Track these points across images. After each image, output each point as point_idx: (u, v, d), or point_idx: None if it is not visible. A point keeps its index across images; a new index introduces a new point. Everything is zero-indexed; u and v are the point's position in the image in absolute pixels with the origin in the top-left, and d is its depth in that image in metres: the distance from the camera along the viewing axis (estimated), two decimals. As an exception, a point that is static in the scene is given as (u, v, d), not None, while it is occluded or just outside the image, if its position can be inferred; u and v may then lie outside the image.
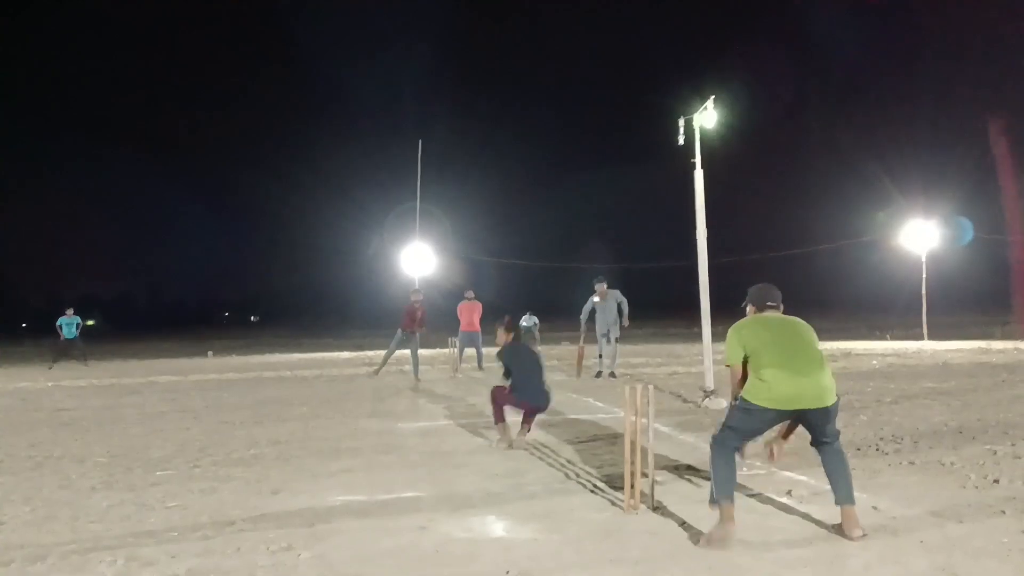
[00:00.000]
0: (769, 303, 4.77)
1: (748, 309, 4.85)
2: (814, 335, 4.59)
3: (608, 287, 13.86)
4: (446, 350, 17.51)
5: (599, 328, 13.84)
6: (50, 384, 15.71)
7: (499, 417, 7.34)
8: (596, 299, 13.88)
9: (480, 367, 16.27)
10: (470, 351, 16.74)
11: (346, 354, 25.39)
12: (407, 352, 14.90)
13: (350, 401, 11.30)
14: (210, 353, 27.15)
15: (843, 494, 4.33)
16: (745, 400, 4.40)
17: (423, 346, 15.91)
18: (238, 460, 6.84)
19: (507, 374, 7.31)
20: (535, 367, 7.31)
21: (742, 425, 4.42)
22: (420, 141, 24.02)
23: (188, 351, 29.33)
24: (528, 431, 7.32)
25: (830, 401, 4.34)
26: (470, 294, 16.98)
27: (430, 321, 15.08)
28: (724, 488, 4.29)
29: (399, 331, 14.86)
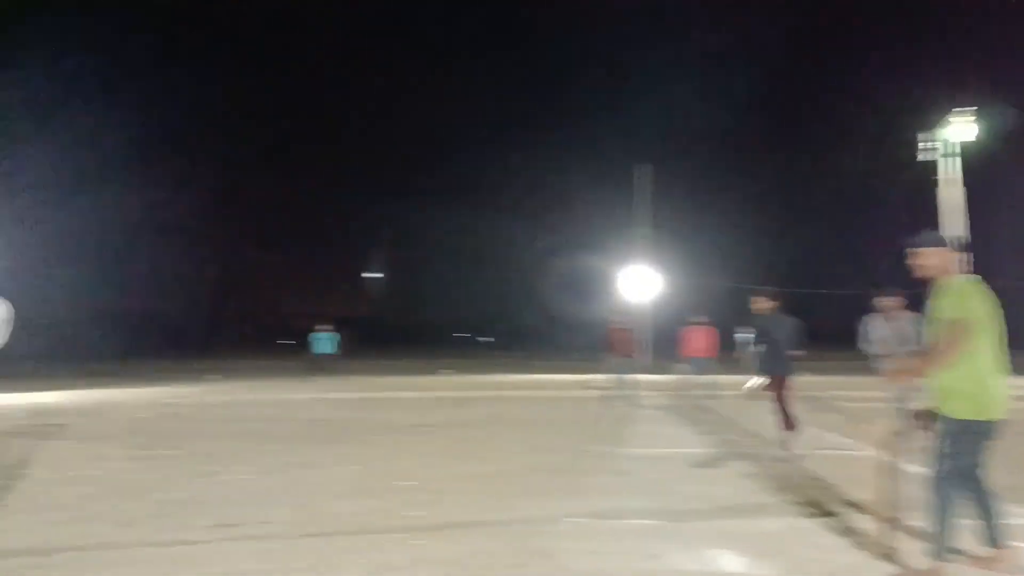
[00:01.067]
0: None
1: (938, 255, 4.17)
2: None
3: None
4: (671, 376, 17.21)
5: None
6: (306, 396, 17.19)
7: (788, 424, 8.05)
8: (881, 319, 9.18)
9: (705, 395, 15.82)
10: (697, 377, 16.30)
11: (572, 376, 25.73)
12: (629, 377, 14.77)
13: (575, 424, 11.43)
14: (443, 372, 28.52)
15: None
16: (975, 420, 3.89)
17: (637, 371, 15.72)
18: (471, 475, 7.12)
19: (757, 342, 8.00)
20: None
21: (974, 452, 3.93)
22: (636, 168, 24.04)
23: (423, 369, 31.03)
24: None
25: None
26: (700, 318, 16.53)
27: (655, 345, 14.92)
28: (951, 539, 3.88)
29: (612, 356, 14.69)
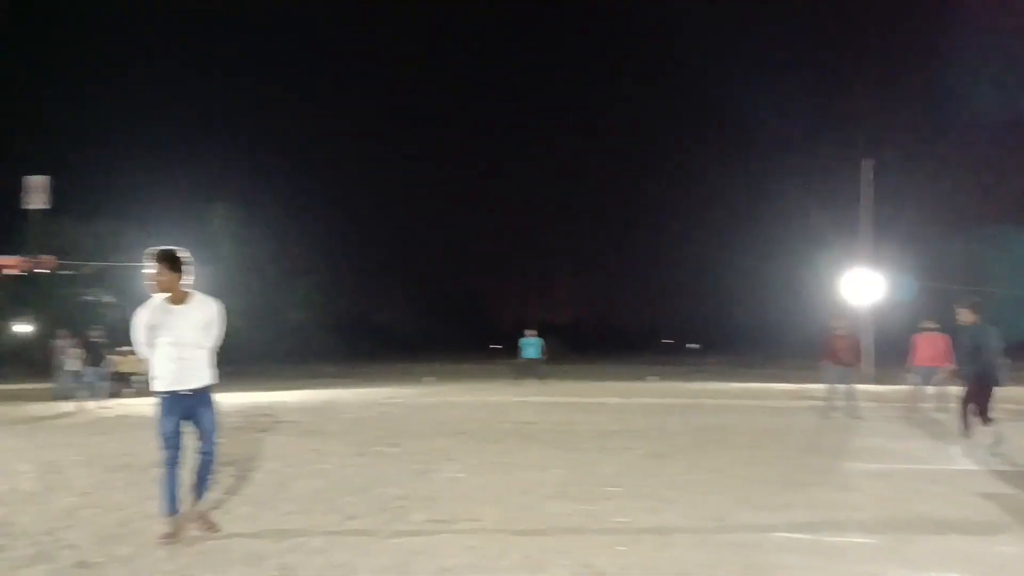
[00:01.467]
0: None
1: None
2: None
3: None
4: (902, 387, 15.97)
5: None
6: (516, 399, 17.62)
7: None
8: None
9: (936, 407, 14.54)
10: (925, 388, 15.01)
11: (787, 386, 24.57)
12: (849, 386, 13.81)
13: (792, 434, 10.89)
14: (651, 378, 28.21)
15: None
16: None
17: (859, 381, 14.67)
18: (681, 484, 6.97)
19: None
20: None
21: None
22: (864, 162, 22.54)
23: (630, 375, 30.85)
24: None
25: None
26: (931, 324, 15.21)
27: (877, 353, 13.88)
28: None
29: (832, 365, 13.75)
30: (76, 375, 16.88)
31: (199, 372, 5.21)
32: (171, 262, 5.13)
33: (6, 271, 34.54)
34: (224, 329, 5.38)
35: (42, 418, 13.82)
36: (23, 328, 32.30)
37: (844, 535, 5.14)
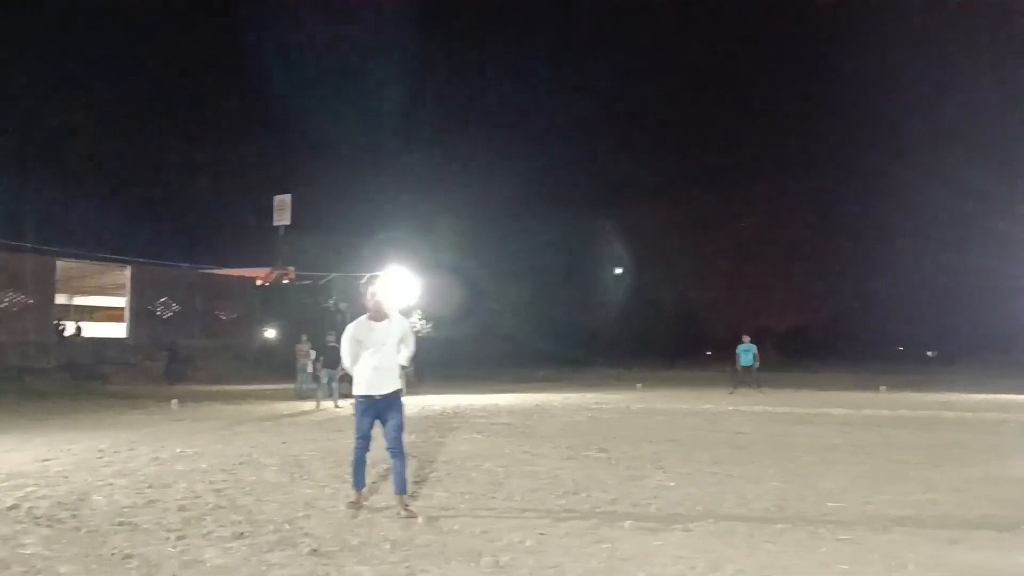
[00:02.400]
0: None
1: None
2: None
3: None
4: None
5: None
6: (730, 408, 17.08)
7: None
8: None
9: None
10: None
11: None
12: None
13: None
14: (883, 388, 26.32)
15: None
16: None
17: None
18: (912, 502, 6.46)
19: None
20: None
21: None
22: None
23: (859, 384, 28.94)
24: None
25: None
26: None
27: None
28: None
29: None
30: (314, 377, 18.41)
31: (392, 380, 6.08)
32: (380, 287, 6.16)
33: (257, 282, 38.35)
34: (414, 342, 6.21)
35: (285, 416, 15.15)
36: (270, 334, 35.60)
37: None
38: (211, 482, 7.36)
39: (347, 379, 6.89)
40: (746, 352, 23.29)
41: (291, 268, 38.86)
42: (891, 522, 5.71)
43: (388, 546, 5.04)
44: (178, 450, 9.53)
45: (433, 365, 27.81)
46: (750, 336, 23.98)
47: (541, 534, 5.34)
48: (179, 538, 5.26)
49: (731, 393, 22.39)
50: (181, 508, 6.20)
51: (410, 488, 6.32)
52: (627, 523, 5.65)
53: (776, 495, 6.76)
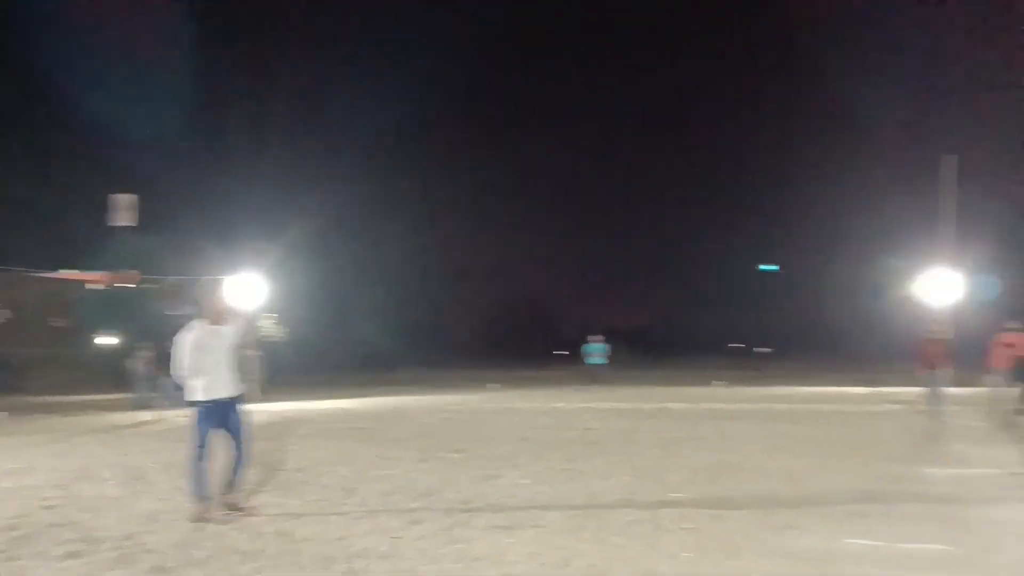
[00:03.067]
0: None
1: None
2: None
3: None
4: (979, 389, 15.41)
5: None
6: (580, 405, 17.53)
7: None
8: None
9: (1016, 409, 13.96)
10: (1009, 390, 14.40)
11: (862, 389, 23.91)
12: (940, 390, 13.32)
13: (867, 440, 10.61)
14: (718, 383, 27.79)
15: None
16: None
17: (948, 384, 14.15)
18: (749, 491, 6.86)
19: None
20: None
21: None
22: (943, 158, 21.84)
23: (697, 380, 30.42)
24: None
25: None
26: (1015, 324, 14.59)
27: (959, 356, 13.32)
28: None
29: (923, 369, 13.31)
30: (154, 385, 17.47)
31: (232, 385, 6.00)
32: (219, 291, 6.31)
33: (91, 285, 35.92)
34: (251, 345, 6.22)
35: (124, 427, 14.30)
36: (108, 340, 33.53)
37: (919, 543, 5.00)
38: (44, 498, 6.85)
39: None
40: (595, 350, 23.97)
41: (133, 271, 36.67)
42: (729, 509, 6.05)
43: (237, 558, 4.87)
44: (7, 466, 8.82)
45: (286, 370, 27.06)
46: (599, 334, 24.72)
47: (395, 538, 5.31)
48: (7, 559, 4.88)
49: (581, 391, 22.97)
50: (10, 527, 5.74)
51: (246, 493, 6.33)
52: (481, 523, 5.71)
53: (624, 489, 7.01)
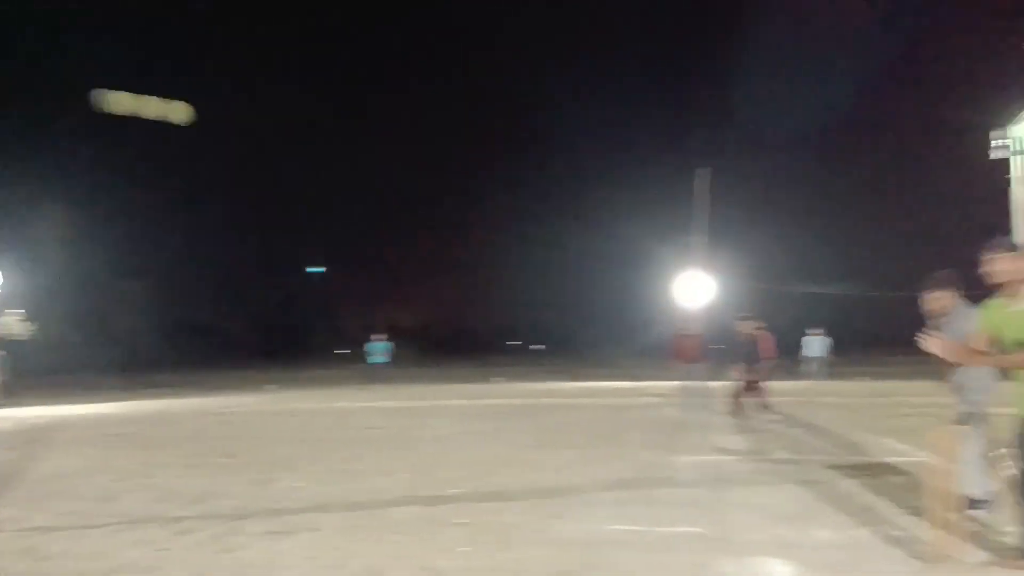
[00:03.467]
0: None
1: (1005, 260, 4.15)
2: None
3: None
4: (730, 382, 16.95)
5: None
6: (362, 405, 17.38)
7: None
8: None
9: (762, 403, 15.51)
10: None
11: (625, 384, 25.52)
12: (695, 383, 14.44)
13: (628, 431, 11.34)
14: (496, 379, 28.58)
15: None
16: None
17: (703, 377, 15.44)
18: (522, 484, 7.12)
19: None
20: None
21: None
22: (697, 171, 23.76)
23: (475, 377, 31.11)
24: None
25: None
26: (748, 315, 16.09)
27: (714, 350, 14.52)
28: None
29: (679, 363, 14.41)
30: None
31: None
32: None
33: None
34: None
35: None
36: None
37: (673, 526, 5.42)
38: None
39: None
40: (377, 349, 23.83)
41: None
42: (503, 502, 6.26)
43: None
44: None
45: (34, 371, 24.54)
46: (382, 333, 24.60)
47: (161, 550, 5.00)
48: None
49: (362, 390, 22.75)
50: None
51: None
52: (255, 529, 5.51)
53: (404, 486, 7.04)
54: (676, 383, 14.40)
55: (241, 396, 21.44)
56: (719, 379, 14.73)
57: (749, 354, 13.37)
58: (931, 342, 4.26)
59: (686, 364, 14.16)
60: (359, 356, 26.39)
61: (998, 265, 4.17)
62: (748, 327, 12.63)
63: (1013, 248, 4.28)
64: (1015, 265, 4.16)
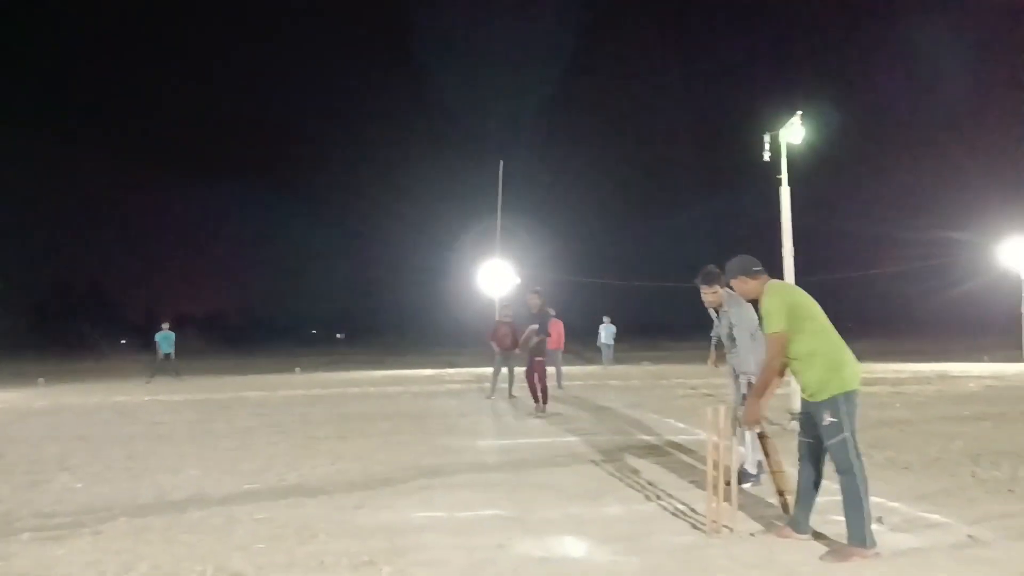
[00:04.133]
0: (755, 268, 4.58)
1: (733, 283, 4.67)
2: None
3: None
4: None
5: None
6: (147, 398, 16.35)
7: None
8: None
9: (560, 385, 16.20)
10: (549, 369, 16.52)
11: (428, 371, 25.68)
12: (509, 370, 14.68)
13: (431, 418, 11.43)
14: (297, 369, 27.84)
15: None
16: (848, 392, 4.26)
17: (516, 364, 15.72)
18: (323, 475, 6.99)
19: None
20: None
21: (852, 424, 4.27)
22: (501, 162, 24.27)
23: (277, 367, 30.14)
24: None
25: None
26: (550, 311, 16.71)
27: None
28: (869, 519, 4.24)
29: (496, 350, 14.57)
30: None
31: None
32: None
33: None
34: None
35: None
36: None
37: (475, 510, 5.53)
38: None
39: None
40: (163, 339, 22.61)
41: None
42: (304, 495, 6.11)
43: None
44: None
45: None
46: (167, 321, 23.35)
47: (-92, 566, 4.46)
48: None
49: (148, 383, 21.52)
50: None
51: None
52: (25, 535, 5.04)
53: (194, 484, 6.69)
54: (482, 370, 14.63)
55: (7, 392, 19.50)
56: (522, 365, 15.15)
57: (540, 329, 13.78)
58: (749, 412, 4.62)
59: (501, 351, 14.35)
60: (145, 347, 24.76)
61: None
62: (537, 301, 12.98)
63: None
64: (742, 288, 4.71)
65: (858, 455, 4.21)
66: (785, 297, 4.42)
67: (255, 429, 10.43)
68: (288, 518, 5.38)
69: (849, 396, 4.24)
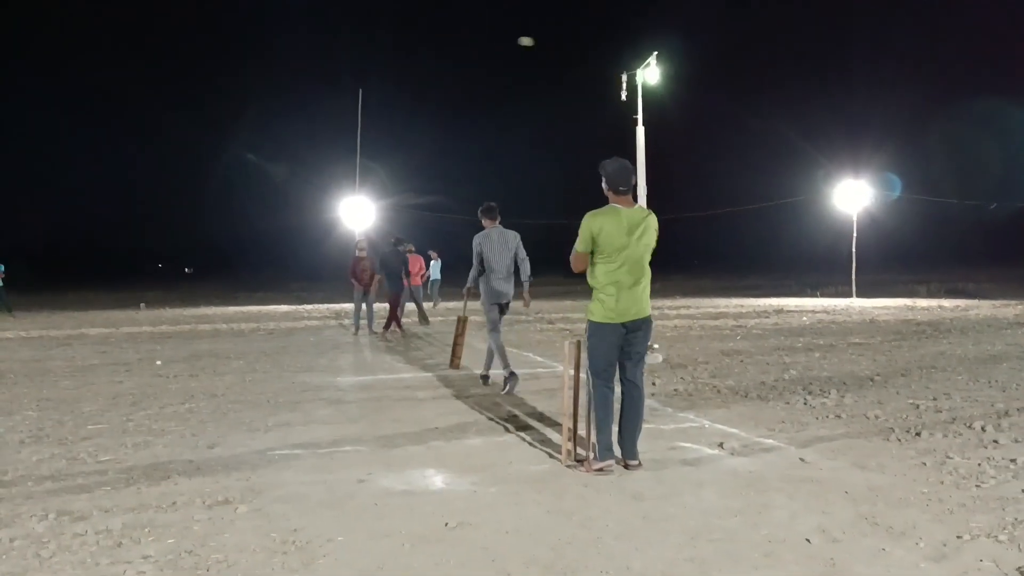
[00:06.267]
0: (621, 187, 4.71)
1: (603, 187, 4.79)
2: (655, 237, 4.77)
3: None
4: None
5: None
6: (-26, 336, 15.18)
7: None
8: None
9: (424, 321, 16.20)
10: (409, 305, 16.55)
11: (284, 307, 24.99)
12: (368, 305, 14.53)
13: (288, 355, 11.19)
14: (143, 305, 26.50)
15: (629, 447, 4.76)
16: (594, 323, 4.65)
17: (376, 300, 15.57)
18: (172, 414, 6.74)
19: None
20: None
21: (599, 350, 4.66)
22: (360, 91, 23.57)
23: (120, 303, 28.56)
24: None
25: (647, 313, 4.70)
26: (408, 246, 16.67)
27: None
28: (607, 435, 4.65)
29: (355, 286, 14.39)
30: None
31: None
32: None
33: None
34: None
35: None
36: None
37: (337, 446, 5.48)
38: None
39: None
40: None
41: None
42: (152, 436, 5.87)
43: None
44: None
45: None
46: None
47: None
48: None
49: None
50: None
51: None
52: None
53: (32, 425, 6.30)
54: (342, 306, 14.43)
55: None
56: (383, 300, 15.07)
57: (402, 275, 13.91)
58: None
59: (359, 286, 14.23)
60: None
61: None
62: (400, 248, 13.12)
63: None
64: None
65: (598, 379, 4.67)
66: (592, 224, 4.64)
67: (97, 368, 9.90)
68: (136, 459, 5.17)
69: (596, 327, 4.65)
